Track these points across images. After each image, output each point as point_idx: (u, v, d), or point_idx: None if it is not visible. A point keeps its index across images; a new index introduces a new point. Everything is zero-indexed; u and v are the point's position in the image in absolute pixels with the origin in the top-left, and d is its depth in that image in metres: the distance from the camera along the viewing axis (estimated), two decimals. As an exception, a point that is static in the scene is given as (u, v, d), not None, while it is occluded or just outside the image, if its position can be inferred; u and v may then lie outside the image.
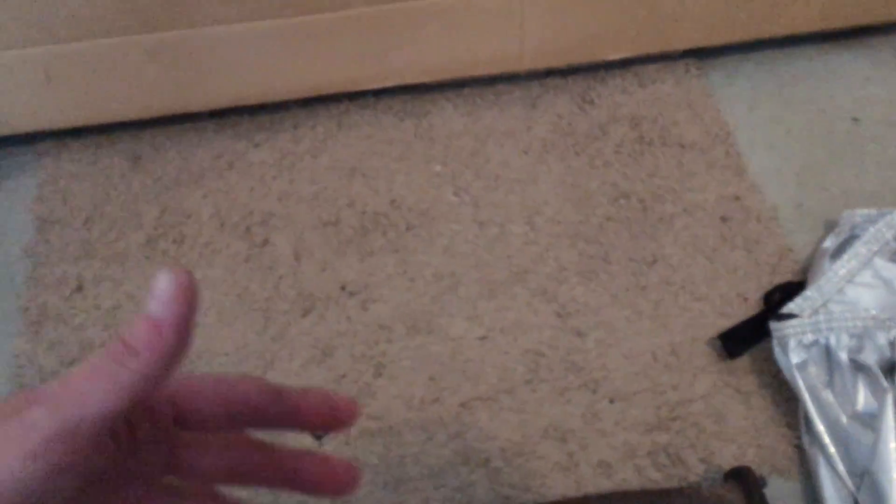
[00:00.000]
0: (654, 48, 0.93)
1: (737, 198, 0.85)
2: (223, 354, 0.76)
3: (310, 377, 0.74)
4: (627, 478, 0.68)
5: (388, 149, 0.90)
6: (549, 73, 0.96)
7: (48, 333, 0.78)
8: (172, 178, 0.88)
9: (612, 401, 0.73)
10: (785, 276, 0.79)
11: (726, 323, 0.76)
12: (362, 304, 0.79)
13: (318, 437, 0.71)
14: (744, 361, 0.74)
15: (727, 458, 0.69)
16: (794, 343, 0.68)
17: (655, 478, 0.68)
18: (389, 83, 0.91)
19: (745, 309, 0.77)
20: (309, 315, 0.78)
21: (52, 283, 0.81)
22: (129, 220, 0.85)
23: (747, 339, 0.73)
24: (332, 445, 0.71)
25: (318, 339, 0.77)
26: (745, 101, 0.94)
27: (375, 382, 0.74)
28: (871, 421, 0.65)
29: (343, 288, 0.80)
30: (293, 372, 0.75)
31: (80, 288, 0.80)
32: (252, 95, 0.89)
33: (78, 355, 0.76)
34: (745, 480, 0.62)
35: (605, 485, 0.68)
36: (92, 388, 0.27)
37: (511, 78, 0.96)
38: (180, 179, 0.88)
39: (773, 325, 0.69)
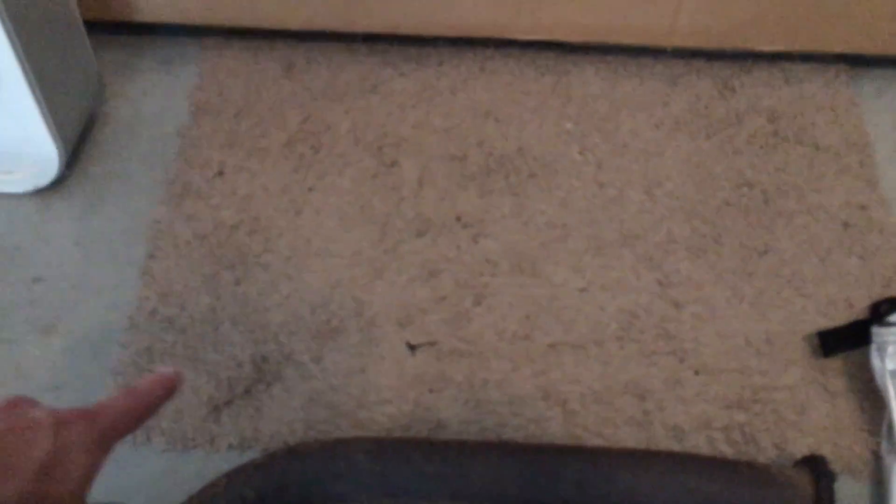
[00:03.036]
0: (807, 46, 0.92)
1: (863, 207, 0.84)
2: (338, 256, 0.81)
3: (413, 292, 0.79)
4: (698, 445, 0.70)
5: (524, 99, 0.93)
6: (695, 54, 0.96)
7: (187, 207, 0.85)
8: (319, 91, 0.94)
9: (697, 372, 0.74)
10: (897, 291, 0.79)
11: (827, 323, 0.76)
12: (474, 236, 0.83)
13: (412, 348, 0.76)
14: (837, 362, 0.74)
15: (801, 448, 0.70)
16: (892, 349, 0.67)
17: (726, 451, 0.70)
18: (538, 37, 0.94)
19: (848, 314, 0.77)
20: (423, 237, 0.82)
21: (197, 165, 0.88)
22: (275, 120, 0.91)
23: (846, 341, 0.73)
24: (423, 358, 0.75)
25: (427, 260, 0.81)
26: (891, 116, 0.92)
27: (473, 310, 0.78)
28: (957, 440, 0.64)
29: (458, 219, 0.84)
30: (399, 285, 0.79)
31: (221, 173, 0.87)
32: (407, 26, 0.93)
33: (211, 231, 0.82)
34: (816, 467, 0.63)
35: (674, 447, 0.70)
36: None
37: (656, 53, 0.97)
38: (326, 93, 0.94)
39: (875, 330, 0.69)
